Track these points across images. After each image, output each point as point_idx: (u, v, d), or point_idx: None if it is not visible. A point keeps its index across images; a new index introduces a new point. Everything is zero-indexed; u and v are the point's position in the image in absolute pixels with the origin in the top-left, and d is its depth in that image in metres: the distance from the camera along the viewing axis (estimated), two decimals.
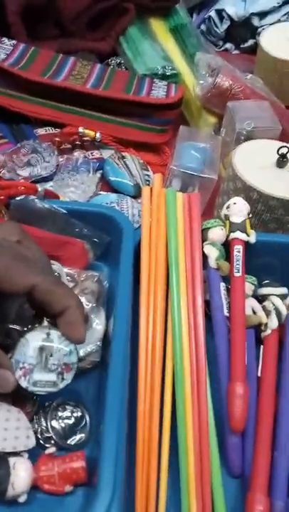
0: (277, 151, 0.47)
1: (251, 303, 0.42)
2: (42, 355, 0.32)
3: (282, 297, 0.43)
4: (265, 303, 0.43)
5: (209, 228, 0.42)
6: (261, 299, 0.44)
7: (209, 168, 0.52)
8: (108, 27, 0.68)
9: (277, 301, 0.42)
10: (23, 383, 0.32)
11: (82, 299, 0.41)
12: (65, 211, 0.42)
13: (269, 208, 0.46)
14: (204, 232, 0.42)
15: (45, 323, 0.33)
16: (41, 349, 0.32)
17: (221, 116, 0.59)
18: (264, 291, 0.44)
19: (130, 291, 0.38)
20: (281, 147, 0.46)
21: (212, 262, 0.41)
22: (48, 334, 0.32)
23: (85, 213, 0.43)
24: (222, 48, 0.79)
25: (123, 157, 0.57)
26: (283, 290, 0.44)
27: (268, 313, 0.41)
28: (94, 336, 0.40)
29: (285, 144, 0.47)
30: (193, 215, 0.42)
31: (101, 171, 0.55)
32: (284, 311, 0.41)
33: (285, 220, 0.47)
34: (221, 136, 0.57)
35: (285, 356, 0.39)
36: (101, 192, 0.54)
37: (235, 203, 0.43)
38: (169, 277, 0.39)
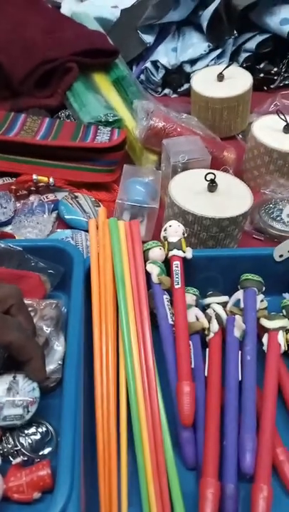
0: (205, 177, 0.53)
1: (195, 311, 0.47)
2: (10, 394, 0.38)
3: (224, 304, 0.48)
4: (208, 310, 0.48)
5: (149, 249, 0.47)
6: (206, 308, 0.49)
7: (152, 199, 0.59)
8: (55, 84, 0.76)
9: (217, 307, 0.47)
10: None
11: (42, 324, 0.45)
12: (20, 248, 0.47)
13: (204, 227, 0.52)
14: (146, 252, 0.48)
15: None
16: (9, 389, 0.38)
17: (160, 154, 0.66)
18: (207, 300, 0.49)
19: (81, 312, 0.42)
20: (207, 174, 0.53)
21: (154, 278, 0.46)
22: (14, 376, 0.39)
23: (39, 248, 0.48)
24: (162, 94, 0.88)
25: (76, 197, 0.62)
26: (224, 298, 0.49)
27: (209, 318, 0.46)
28: (55, 356, 0.44)
29: (211, 170, 0.54)
30: (135, 239, 0.47)
31: (56, 211, 0.61)
32: (223, 315, 0.46)
33: (220, 237, 0.53)
34: (161, 171, 0.64)
35: (228, 355, 0.44)
36: (58, 230, 0.60)
37: (170, 226, 0.49)
38: (117, 295, 0.44)
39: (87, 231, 0.59)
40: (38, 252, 0.48)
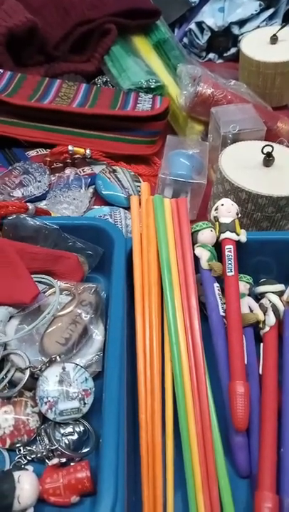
0: (262, 150, 0.47)
1: (248, 301, 0.42)
2: (62, 387, 0.36)
3: (280, 294, 0.43)
4: (263, 300, 0.43)
5: (199, 231, 0.42)
6: (259, 297, 0.44)
7: (198, 174, 0.53)
8: (92, 48, 0.70)
9: (274, 298, 0.42)
10: (51, 415, 0.35)
11: (81, 311, 0.41)
12: (57, 226, 0.43)
13: (259, 206, 0.46)
14: (194, 234, 0.43)
15: (58, 359, 0.37)
16: (60, 382, 0.36)
17: (207, 123, 0.60)
18: (261, 289, 0.44)
19: (123, 298, 0.38)
20: (265, 146, 0.47)
21: (204, 263, 0.41)
22: (64, 368, 0.37)
23: (77, 227, 0.44)
24: (206, 59, 0.81)
25: (114, 171, 0.58)
26: (280, 287, 0.44)
27: (265, 310, 0.41)
28: (93, 346, 0.40)
29: (268, 142, 0.48)
30: (182, 218, 0.43)
31: (93, 186, 0.56)
32: (281, 307, 0.41)
33: (277, 218, 0.47)
34: (208, 142, 0.58)
35: (285, 352, 0.39)
36: (95, 206, 0.55)
37: (223, 204, 0.43)
38: (162, 281, 0.39)
39: (126, 208, 0.54)
40: (75, 231, 0.44)
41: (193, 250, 0.42)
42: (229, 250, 0.41)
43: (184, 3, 0.79)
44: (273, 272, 0.46)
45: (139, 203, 0.45)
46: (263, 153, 0.47)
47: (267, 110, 0.64)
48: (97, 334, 0.41)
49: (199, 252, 0.42)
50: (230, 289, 0.40)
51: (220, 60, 0.81)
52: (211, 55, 0.81)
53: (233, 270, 0.40)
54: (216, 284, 0.41)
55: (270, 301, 0.42)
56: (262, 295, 0.44)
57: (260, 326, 0.41)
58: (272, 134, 0.60)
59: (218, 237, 0.42)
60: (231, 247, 0.41)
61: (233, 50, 0.80)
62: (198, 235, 0.42)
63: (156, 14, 0.74)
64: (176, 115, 0.64)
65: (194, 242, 0.43)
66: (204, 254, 0.41)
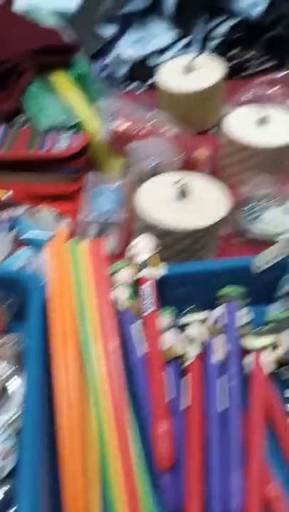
0: (176, 182, 0.48)
1: (171, 335, 0.43)
2: None
3: (204, 321, 0.44)
4: (186, 331, 0.43)
5: (117, 271, 0.43)
6: (185, 328, 0.44)
7: (119, 211, 0.54)
8: (10, 87, 0.70)
9: (197, 328, 0.42)
10: None
11: (3, 366, 0.40)
12: None
13: (176, 239, 0.47)
14: (113, 275, 0.43)
15: None
16: None
17: (128, 158, 0.61)
18: (184, 319, 0.44)
19: (40, 350, 0.38)
20: (178, 180, 0.48)
21: (122, 304, 0.41)
22: None
23: None
24: (128, 89, 0.83)
25: (37, 212, 0.57)
26: (203, 315, 0.44)
27: (188, 341, 0.42)
28: (16, 401, 0.39)
29: (181, 173, 0.49)
30: (100, 260, 0.43)
31: (15, 230, 0.55)
32: (202, 337, 0.42)
33: (195, 249, 0.48)
34: (128, 178, 0.59)
35: (207, 382, 0.39)
36: (20, 249, 0.54)
37: (139, 242, 0.44)
38: (80, 328, 0.39)
39: None
40: None
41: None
42: (145, 289, 0.41)
43: (97, 38, 0.80)
44: (198, 300, 0.46)
45: (57, 247, 0.44)
46: (176, 186, 0.48)
47: (187, 139, 0.66)
48: (21, 387, 0.40)
49: (118, 292, 0.42)
50: (148, 327, 0.40)
51: (142, 90, 0.83)
52: (132, 86, 0.82)
53: (149, 309, 0.40)
54: (139, 322, 0.41)
55: (194, 332, 0.42)
56: (186, 325, 0.44)
57: (185, 358, 0.42)
58: (192, 162, 0.62)
59: (136, 276, 0.43)
60: (148, 285, 0.42)
61: (152, 80, 0.81)
62: (116, 276, 0.43)
63: (73, 50, 0.75)
64: (97, 151, 0.64)
65: (113, 283, 0.43)
66: (123, 295, 0.42)
